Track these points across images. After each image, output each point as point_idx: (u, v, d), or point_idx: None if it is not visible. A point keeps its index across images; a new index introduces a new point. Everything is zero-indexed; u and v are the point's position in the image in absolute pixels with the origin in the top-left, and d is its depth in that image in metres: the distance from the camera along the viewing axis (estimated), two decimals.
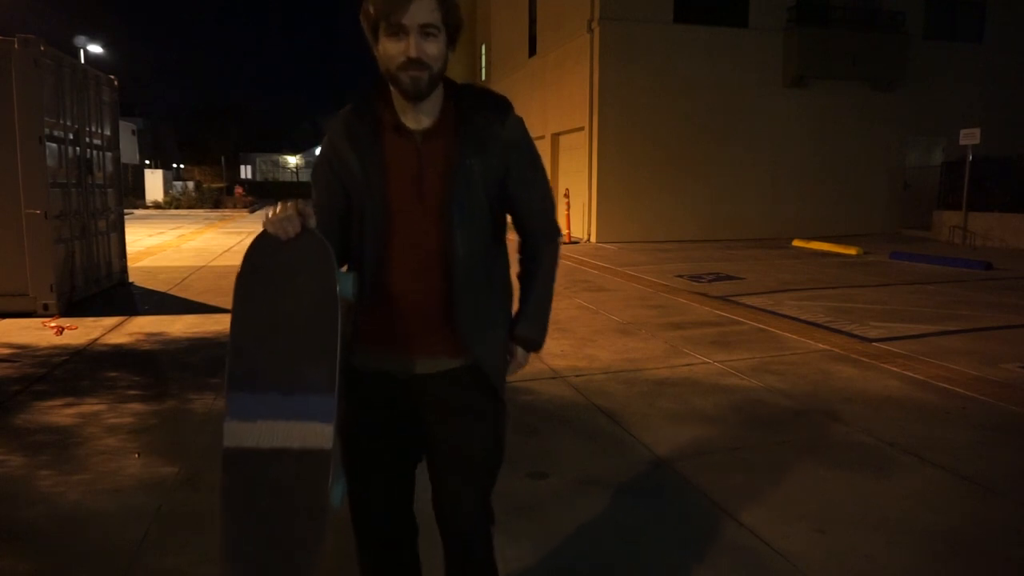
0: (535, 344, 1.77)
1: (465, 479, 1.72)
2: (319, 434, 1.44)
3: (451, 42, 1.54)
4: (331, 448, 1.45)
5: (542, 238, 1.78)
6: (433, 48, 1.50)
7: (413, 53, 1.48)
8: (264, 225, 1.48)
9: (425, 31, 1.48)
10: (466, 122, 1.60)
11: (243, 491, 1.45)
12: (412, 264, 1.61)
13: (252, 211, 30.42)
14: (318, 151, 1.71)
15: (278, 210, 1.47)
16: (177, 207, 31.89)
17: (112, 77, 8.57)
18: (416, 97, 1.54)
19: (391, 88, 1.57)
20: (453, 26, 1.53)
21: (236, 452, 1.44)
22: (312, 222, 1.48)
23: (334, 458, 1.46)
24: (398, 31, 1.48)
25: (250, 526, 1.45)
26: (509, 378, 1.76)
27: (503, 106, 1.65)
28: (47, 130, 6.64)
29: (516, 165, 1.67)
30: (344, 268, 1.64)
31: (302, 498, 1.45)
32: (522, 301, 1.77)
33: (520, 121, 1.67)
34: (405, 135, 1.59)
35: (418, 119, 1.59)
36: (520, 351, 1.76)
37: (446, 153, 1.58)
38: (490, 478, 1.77)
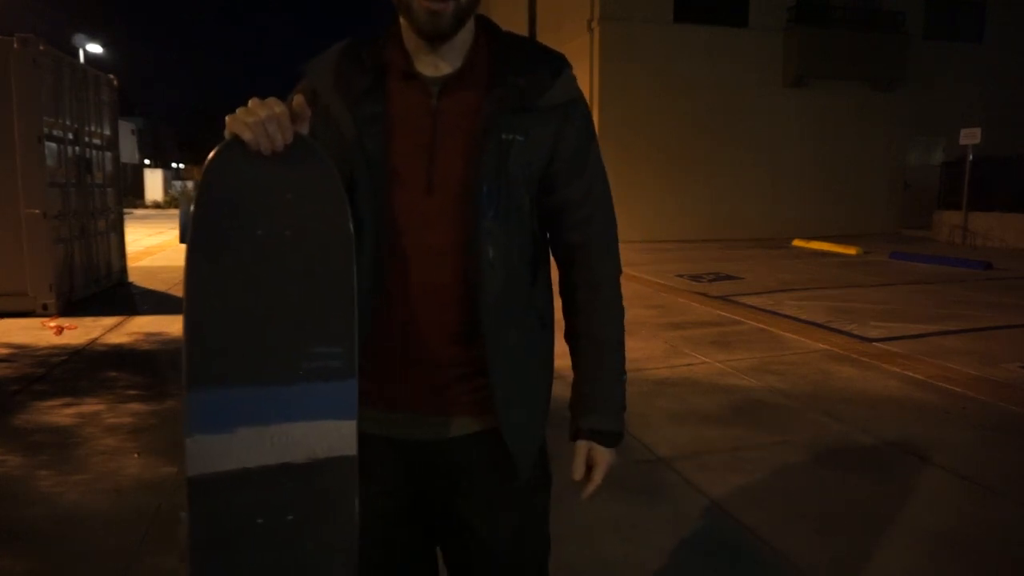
0: (615, 436, 1.27)
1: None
2: (338, 436, 1.02)
3: None
4: (356, 455, 1.04)
5: (590, 277, 1.24)
6: None
7: None
8: (231, 128, 0.98)
9: None
10: (502, 75, 1.13)
11: (224, 542, 0.99)
12: (420, 280, 1.14)
13: None
14: None
15: (255, 107, 0.98)
16: (177, 207, 31.88)
17: (112, 77, 8.57)
18: (435, 37, 1.10)
19: (403, 22, 1.14)
20: None
21: (207, 483, 0.98)
22: (306, 126, 1.03)
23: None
24: None
25: None
26: (589, 492, 1.31)
27: (555, 59, 1.17)
28: (46, 130, 6.64)
29: (564, 144, 1.17)
30: None
31: (316, 536, 1.02)
32: (582, 377, 1.27)
33: (573, 81, 1.17)
34: (417, 85, 1.14)
35: (436, 64, 1.14)
36: (599, 451, 1.25)
37: (470, 116, 1.12)
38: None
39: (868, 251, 12.47)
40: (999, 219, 13.45)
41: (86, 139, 7.72)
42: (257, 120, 0.97)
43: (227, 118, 0.99)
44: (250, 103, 0.99)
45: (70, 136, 7.26)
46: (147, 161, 46.05)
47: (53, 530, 2.72)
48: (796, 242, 14.28)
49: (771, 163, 15.64)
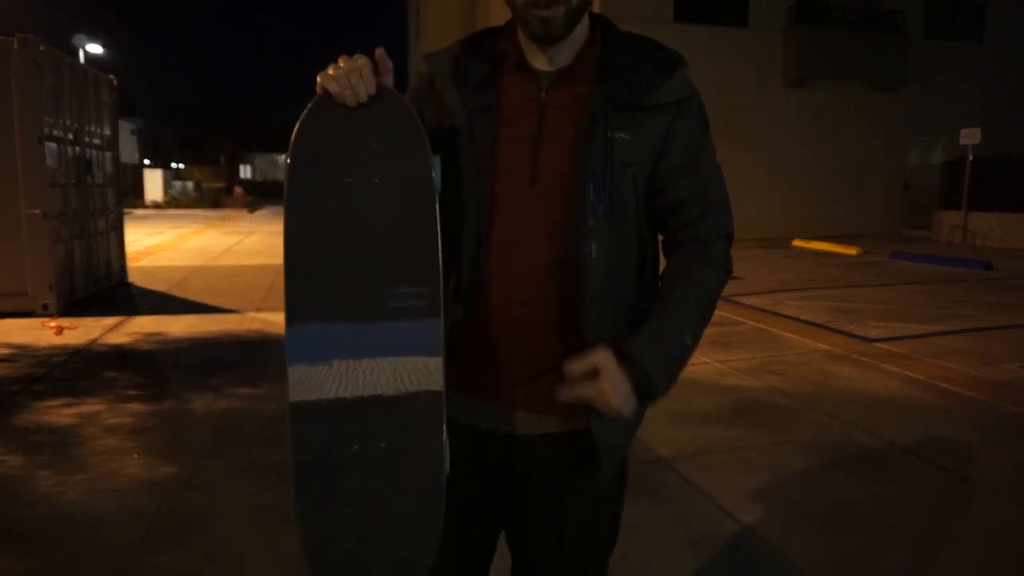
0: (649, 382, 1.10)
1: (547, 569, 1.28)
2: (425, 372, 1.07)
3: None
4: (442, 390, 1.09)
5: (699, 260, 1.19)
6: None
7: None
8: (322, 83, 1.03)
9: None
10: (612, 71, 1.13)
11: (326, 463, 1.07)
12: (518, 273, 1.14)
13: (252, 211, 30.41)
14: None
15: (342, 64, 1.03)
16: (176, 207, 31.92)
17: (112, 77, 8.57)
18: (548, 41, 1.12)
19: (519, 29, 1.17)
20: None
21: (309, 409, 1.06)
22: (389, 78, 1.06)
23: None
24: None
25: (340, 511, 1.08)
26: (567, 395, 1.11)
27: (671, 58, 1.17)
28: (46, 130, 6.63)
29: (675, 142, 1.15)
30: None
31: (406, 463, 1.09)
32: (648, 320, 1.15)
33: (688, 80, 1.17)
34: (529, 77, 1.16)
35: (550, 58, 1.16)
36: (623, 383, 1.07)
37: (577, 111, 1.13)
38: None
39: (868, 251, 12.48)
40: (999, 219, 13.45)
41: (86, 139, 7.72)
42: (341, 72, 1.01)
43: (318, 75, 1.03)
44: (340, 60, 1.03)
45: (70, 136, 7.26)
46: (147, 161, 46.04)
47: (53, 530, 2.72)
48: (796, 242, 14.28)
49: (771, 163, 15.64)
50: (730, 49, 15.10)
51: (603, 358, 1.06)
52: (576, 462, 1.19)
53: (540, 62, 1.16)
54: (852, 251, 12.39)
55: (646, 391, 1.10)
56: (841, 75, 15.69)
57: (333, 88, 1.02)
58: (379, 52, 1.05)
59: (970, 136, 13.55)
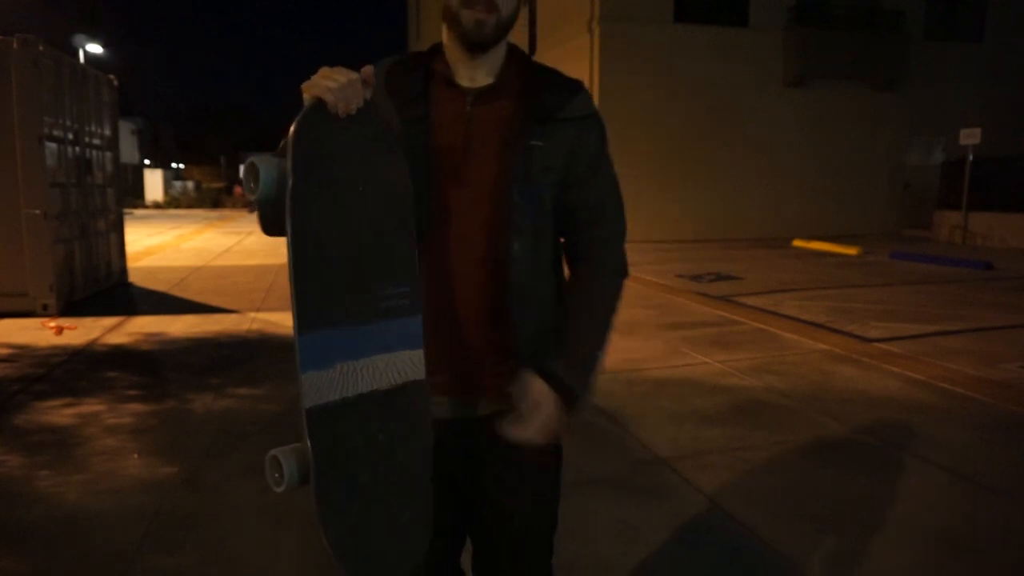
0: (572, 394, 1.25)
1: (503, 542, 1.41)
2: (411, 364, 1.18)
3: None
4: (425, 379, 1.21)
5: (594, 266, 1.35)
6: None
7: None
8: (317, 93, 1.08)
9: None
10: (530, 89, 1.29)
11: (341, 460, 1.13)
12: (454, 271, 1.28)
13: (252, 211, 30.41)
14: None
15: (333, 73, 1.08)
16: (176, 207, 31.94)
17: (112, 77, 8.57)
18: (476, 46, 1.24)
19: (445, 36, 1.31)
20: None
21: (319, 413, 1.10)
22: (370, 92, 1.14)
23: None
24: None
25: (355, 503, 1.15)
26: (519, 435, 1.23)
27: (574, 82, 1.33)
28: (46, 130, 6.64)
29: (581, 151, 1.30)
30: None
31: (403, 451, 1.19)
32: (559, 337, 1.30)
33: (590, 100, 1.33)
34: (456, 93, 1.29)
35: (472, 76, 1.29)
36: (546, 396, 1.23)
37: (501, 124, 1.27)
38: (535, 548, 1.43)
39: (868, 251, 12.48)
40: (999, 219, 13.45)
41: (86, 139, 7.72)
42: (340, 85, 1.08)
43: (304, 84, 1.09)
44: (324, 71, 1.09)
45: (70, 136, 7.26)
46: (147, 161, 46.06)
47: (53, 530, 2.72)
48: (796, 242, 14.28)
49: (771, 163, 15.64)
50: (730, 49, 15.10)
51: (539, 390, 1.22)
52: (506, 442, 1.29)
53: (465, 80, 1.29)
54: (852, 251, 12.39)
55: (570, 402, 1.26)
56: (841, 75, 15.69)
57: (329, 99, 1.07)
58: (366, 69, 1.13)
59: (970, 136, 13.55)
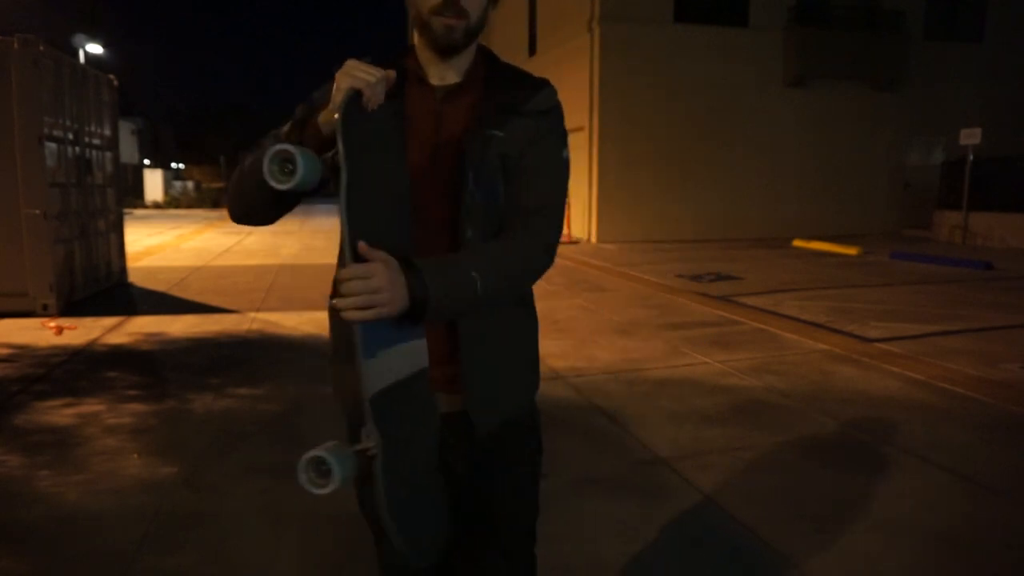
0: (425, 291, 1.12)
1: (486, 534, 1.46)
2: (420, 352, 1.25)
3: None
4: (428, 366, 1.28)
5: (522, 229, 1.32)
6: None
7: None
8: (355, 85, 1.11)
9: None
10: (494, 87, 1.36)
11: (396, 446, 1.15)
12: (423, 254, 1.25)
13: None
14: None
15: (367, 68, 1.14)
16: (176, 207, 31.94)
17: (112, 77, 8.57)
18: (446, 50, 1.31)
19: (417, 39, 1.36)
20: None
21: (381, 398, 1.13)
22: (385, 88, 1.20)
23: None
24: None
25: (407, 486, 1.19)
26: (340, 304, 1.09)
27: (539, 79, 1.40)
28: (46, 130, 6.64)
29: (540, 141, 1.35)
30: None
31: (423, 434, 1.25)
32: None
33: (554, 95, 1.38)
34: (427, 90, 1.36)
35: (442, 75, 1.36)
36: (400, 284, 1.09)
37: (466, 119, 1.33)
38: (516, 537, 1.49)
39: (868, 251, 12.48)
40: (999, 219, 13.45)
41: (86, 139, 7.72)
42: (375, 80, 1.13)
43: (339, 72, 1.13)
44: (354, 63, 1.14)
45: (70, 136, 7.26)
46: (147, 161, 46.05)
47: (53, 530, 2.72)
48: (796, 242, 14.28)
49: (771, 163, 15.64)
50: (730, 49, 15.10)
51: (388, 257, 1.10)
52: (491, 431, 1.38)
53: (436, 78, 1.36)
54: (852, 251, 12.39)
55: (420, 300, 1.12)
56: (841, 75, 15.69)
57: (367, 92, 1.12)
58: (391, 72, 1.17)
59: (970, 136, 13.55)
